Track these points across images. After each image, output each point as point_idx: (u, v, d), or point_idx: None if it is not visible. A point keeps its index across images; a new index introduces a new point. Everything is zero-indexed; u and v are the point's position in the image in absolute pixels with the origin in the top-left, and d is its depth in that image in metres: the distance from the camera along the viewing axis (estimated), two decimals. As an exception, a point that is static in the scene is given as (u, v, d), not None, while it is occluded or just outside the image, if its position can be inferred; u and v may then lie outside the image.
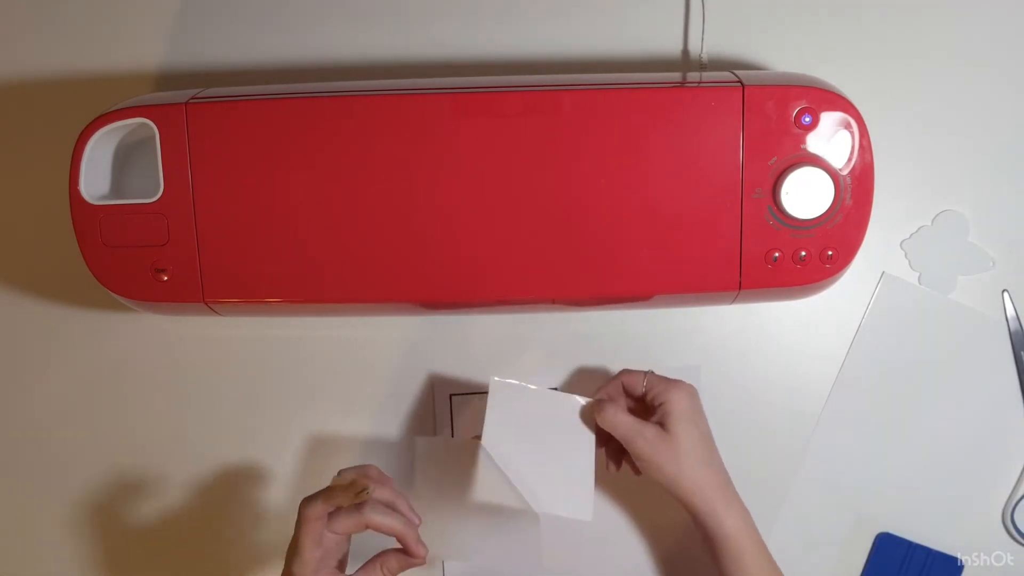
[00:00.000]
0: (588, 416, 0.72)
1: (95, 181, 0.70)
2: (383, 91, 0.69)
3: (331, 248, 0.69)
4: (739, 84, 0.67)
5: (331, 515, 0.63)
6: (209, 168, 0.68)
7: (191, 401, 0.82)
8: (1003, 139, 0.79)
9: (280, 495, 0.82)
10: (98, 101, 0.73)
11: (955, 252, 0.79)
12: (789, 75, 0.72)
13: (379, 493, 0.65)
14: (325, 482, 0.64)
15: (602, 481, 0.76)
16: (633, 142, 0.67)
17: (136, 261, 0.69)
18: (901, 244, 0.79)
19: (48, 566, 0.83)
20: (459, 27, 0.79)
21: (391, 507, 0.65)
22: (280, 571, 0.64)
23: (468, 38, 0.79)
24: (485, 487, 0.71)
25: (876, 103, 0.72)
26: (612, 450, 0.73)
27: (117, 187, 0.73)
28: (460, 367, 0.81)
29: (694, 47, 0.78)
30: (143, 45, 0.80)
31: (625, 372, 0.73)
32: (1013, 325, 0.79)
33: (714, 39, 0.78)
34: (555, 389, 0.78)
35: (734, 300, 0.71)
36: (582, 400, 0.73)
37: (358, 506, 0.63)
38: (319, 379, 0.81)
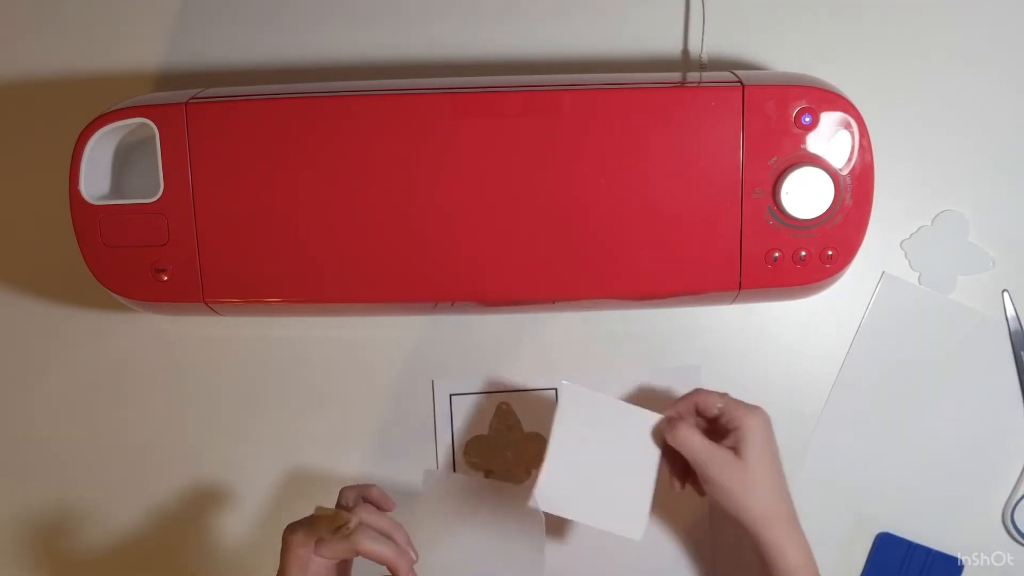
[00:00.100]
0: (657, 432, 0.70)
1: (95, 181, 0.70)
2: (383, 91, 0.69)
3: (331, 248, 0.69)
4: (739, 84, 0.67)
5: (318, 541, 0.62)
6: (209, 168, 0.68)
7: (191, 401, 0.82)
8: (1003, 139, 0.79)
9: (280, 495, 0.82)
10: (98, 101, 0.73)
11: (955, 252, 0.79)
12: (789, 75, 0.72)
13: (374, 520, 0.63)
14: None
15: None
16: (633, 142, 0.67)
17: (136, 261, 0.69)
18: (901, 244, 0.79)
19: (48, 566, 0.83)
20: (459, 27, 0.79)
21: (387, 536, 0.64)
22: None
23: (468, 38, 0.79)
24: (549, 491, 0.69)
25: (876, 103, 0.72)
26: (678, 469, 0.71)
27: (117, 187, 0.73)
28: (460, 367, 0.81)
29: (694, 47, 0.78)
30: (143, 45, 0.80)
31: (700, 391, 0.71)
32: (1013, 325, 0.79)
33: (714, 39, 0.78)
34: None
35: (734, 300, 0.71)
36: (653, 416, 0.70)
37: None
38: (319, 379, 0.81)
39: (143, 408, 0.82)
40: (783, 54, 0.78)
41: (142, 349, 0.81)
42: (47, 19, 0.80)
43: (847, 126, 0.67)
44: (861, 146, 0.68)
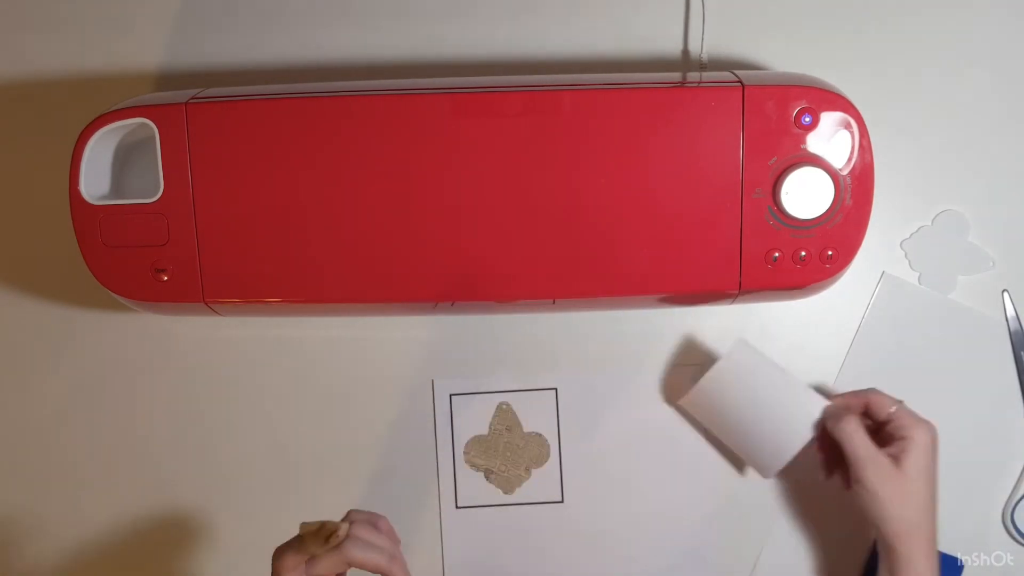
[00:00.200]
0: (817, 417, 0.71)
1: (95, 181, 0.70)
2: (383, 91, 0.69)
3: (331, 248, 0.69)
4: (739, 84, 0.67)
5: (309, 560, 0.60)
6: (209, 168, 0.68)
7: (191, 401, 0.82)
8: (1003, 139, 0.79)
9: (281, 495, 0.82)
10: (98, 101, 0.73)
11: (955, 252, 0.79)
12: (789, 75, 0.72)
13: (363, 531, 0.61)
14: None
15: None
16: (633, 142, 0.67)
17: (136, 261, 0.69)
18: (901, 244, 0.79)
19: (49, 563, 0.83)
20: (459, 27, 0.79)
21: (378, 545, 0.61)
22: None
23: (468, 38, 0.79)
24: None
25: (876, 103, 0.72)
26: (831, 459, 0.71)
27: (117, 187, 0.73)
28: (460, 367, 0.81)
29: (694, 47, 0.78)
30: (143, 45, 0.80)
31: (874, 392, 0.71)
32: (1013, 325, 0.79)
33: (714, 39, 0.78)
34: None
35: (734, 300, 0.71)
36: (821, 399, 0.72)
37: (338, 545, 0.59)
38: (319, 379, 0.81)
39: (143, 408, 0.82)
40: (783, 54, 0.78)
41: (142, 349, 0.81)
42: (47, 19, 0.80)
43: (847, 126, 0.67)
44: (861, 146, 0.68)
